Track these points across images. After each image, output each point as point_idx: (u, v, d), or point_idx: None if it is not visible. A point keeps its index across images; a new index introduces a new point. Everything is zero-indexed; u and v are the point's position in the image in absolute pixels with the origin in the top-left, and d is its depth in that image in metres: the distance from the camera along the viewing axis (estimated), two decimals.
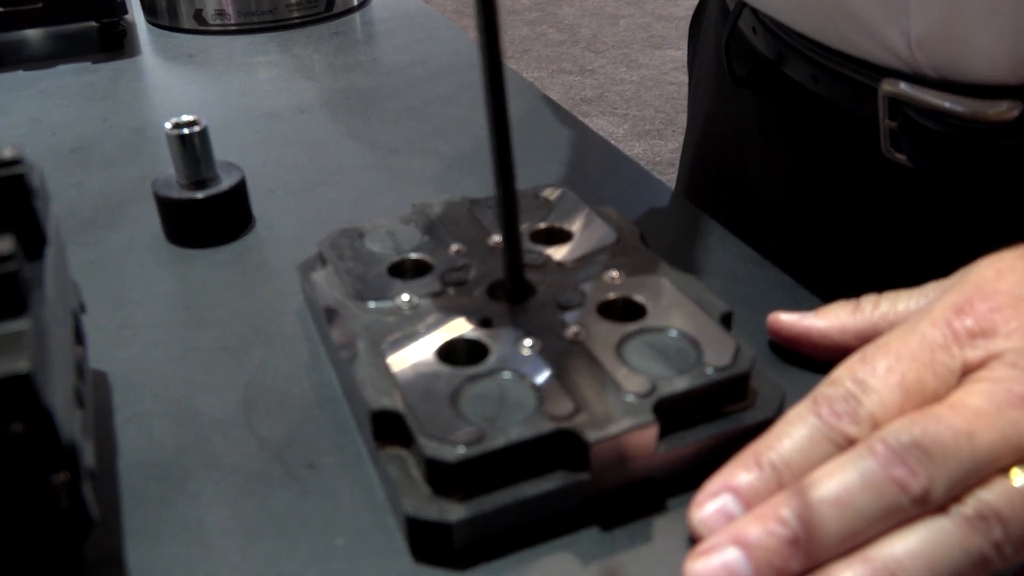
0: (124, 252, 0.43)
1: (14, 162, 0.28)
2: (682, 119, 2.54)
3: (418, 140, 0.53)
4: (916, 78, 0.38)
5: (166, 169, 0.43)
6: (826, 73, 0.44)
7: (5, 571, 0.24)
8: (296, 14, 0.75)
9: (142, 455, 0.30)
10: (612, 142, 0.53)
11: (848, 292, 0.34)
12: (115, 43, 0.69)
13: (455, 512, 0.26)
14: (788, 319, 0.34)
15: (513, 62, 3.05)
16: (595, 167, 0.50)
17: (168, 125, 0.42)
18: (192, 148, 0.42)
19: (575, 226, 0.37)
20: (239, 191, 0.44)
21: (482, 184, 0.47)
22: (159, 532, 0.28)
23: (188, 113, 0.42)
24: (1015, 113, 0.35)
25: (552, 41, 3.30)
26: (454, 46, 0.69)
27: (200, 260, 0.42)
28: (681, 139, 1.28)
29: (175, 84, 0.64)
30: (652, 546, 0.27)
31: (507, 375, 0.29)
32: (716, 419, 0.29)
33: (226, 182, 0.43)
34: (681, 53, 3.18)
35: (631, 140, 2.53)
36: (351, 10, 0.78)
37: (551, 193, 0.40)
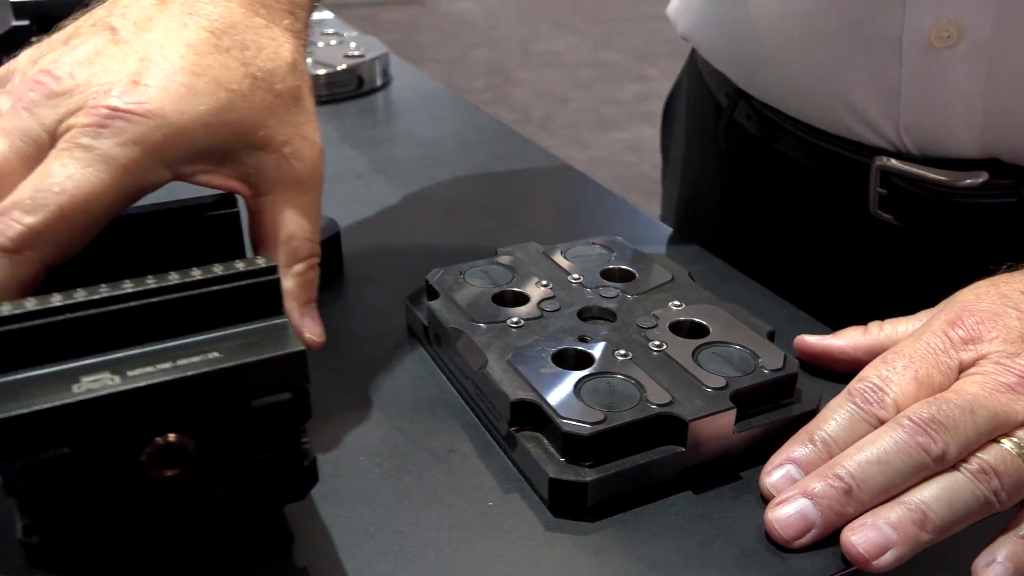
0: None
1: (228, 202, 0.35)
2: (632, 196, 2.68)
3: (468, 200, 0.62)
4: (900, 155, 0.48)
5: None
6: (818, 150, 0.54)
7: (249, 516, 0.31)
8: (325, 92, 0.84)
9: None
10: None
11: (839, 325, 0.43)
12: None
13: (589, 475, 0.33)
14: (812, 340, 0.43)
15: None
16: (603, 216, 0.59)
17: None
18: None
19: (634, 267, 0.46)
20: (334, 242, 0.51)
21: (530, 235, 0.56)
22: (342, 500, 0.34)
23: None
24: (981, 180, 0.45)
25: (505, 120, 3.45)
26: (477, 121, 0.78)
27: None
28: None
29: None
30: (733, 504, 0.35)
31: (612, 375, 0.37)
32: (772, 410, 0.37)
33: (323, 234, 0.50)
34: (628, 135, 3.36)
35: None
36: (376, 89, 0.86)
37: (607, 241, 0.48)
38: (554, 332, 0.40)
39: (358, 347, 0.45)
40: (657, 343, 0.39)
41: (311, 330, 0.36)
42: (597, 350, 0.38)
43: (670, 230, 0.58)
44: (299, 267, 0.36)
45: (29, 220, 0.29)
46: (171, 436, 0.27)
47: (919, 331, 0.38)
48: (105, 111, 0.31)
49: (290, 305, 0.35)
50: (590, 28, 4.90)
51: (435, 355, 0.43)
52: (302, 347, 0.28)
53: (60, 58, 0.33)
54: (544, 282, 0.44)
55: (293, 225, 0.36)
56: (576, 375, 0.37)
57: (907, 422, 0.34)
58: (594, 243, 0.48)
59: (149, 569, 0.30)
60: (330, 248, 0.51)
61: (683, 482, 0.36)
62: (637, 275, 0.45)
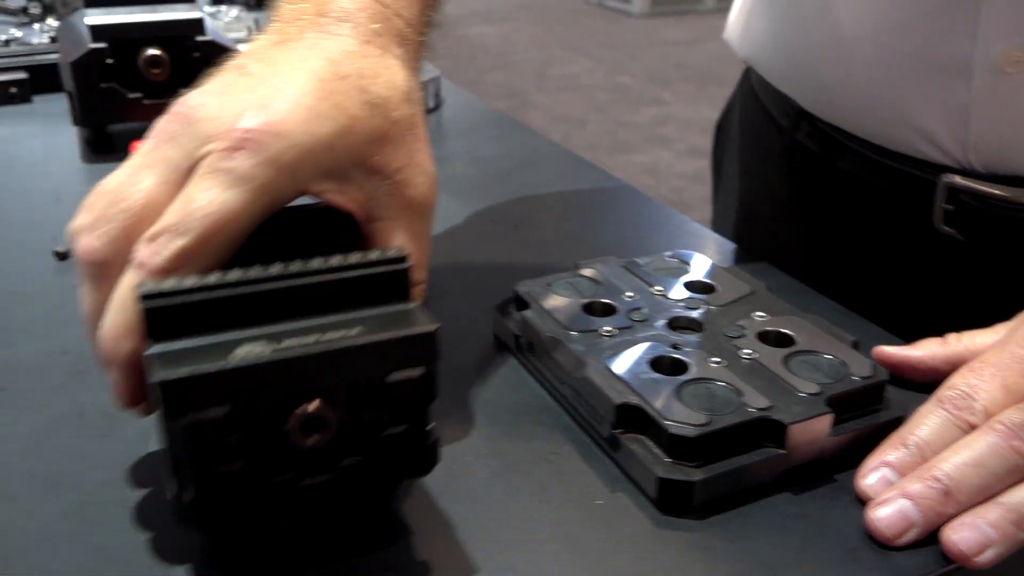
0: None
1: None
2: None
3: (532, 216, 0.64)
4: (966, 172, 0.50)
5: None
6: (882, 168, 0.55)
7: (377, 491, 0.33)
8: None
9: None
10: None
11: (905, 338, 0.45)
12: None
13: (696, 475, 0.35)
14: (892, 350, 0.44)
15: None
16: (664, 231, 0.61)
17: None
18: None
19: (714, 280, 0.47)
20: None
21: (596, 250, 0.57)
22: (457, 497, 0.36)
23: None
24: None
25: None
26: (532, 141, 0.80)
27: None
28: None
29: None
30: (831, 505, 0.36)
31: (710, 381, 0.38)
32: (862, 416, 0.39)
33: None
34: (645, 158, 3.39)
35: None
36: (430, 111, 0.89)
37: (683, 255, 0.50)
38: (645, 340, 0.41)
39: (447, 356, 0.46)
40: (748, 351, 0.40)
41: None
42: (692, 357, 0.40)
43: (732, 245, 0.60)
44: None
45: (179, 243, 0.31)
46: (315, 404, 0.29)
47: (1003, 342, 0.39)
48: (239, 135, 0.32)
49: None
50: (604, 53, 4.96)
51: (527, 363, 0.45)
52: (435, 327, 0.30)
53: (193, 94, 0.35)
54: (630, 294, 0.46)
55: None
56: (675, 380, 0.38)
57: (1000, 427, 0.35)
58: (671, 257, 0.50)
59: (283, 540, 0.31)
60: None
61: (781, 483, 0.37)
62: (718, 288, 0.47)
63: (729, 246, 0.60)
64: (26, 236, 0.59)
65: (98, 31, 0.70)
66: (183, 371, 0.27)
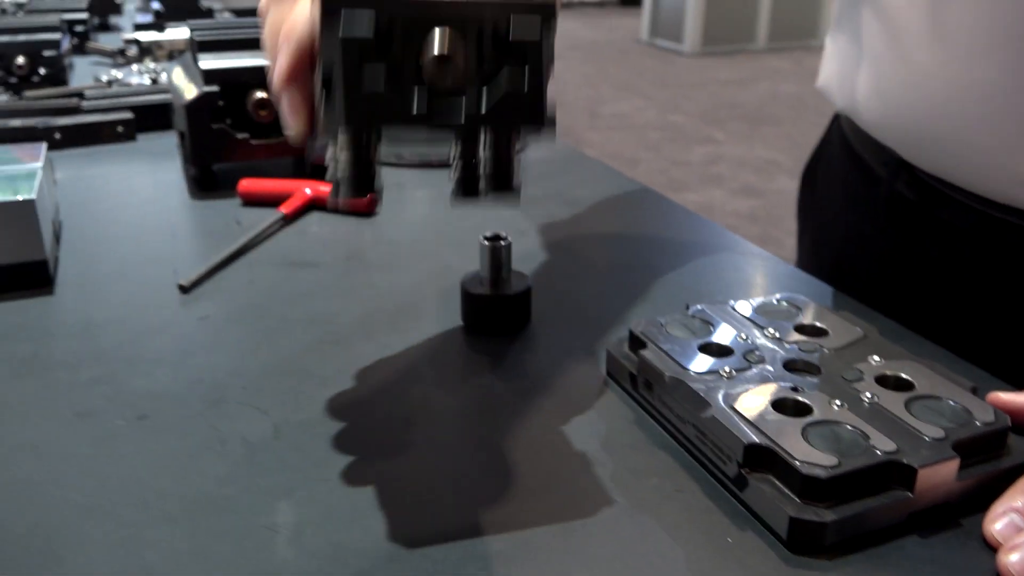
0: (428, 338, 0.53)
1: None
2: None
3: (629, 256, 0.65)
4: None
5: (472, 271, 0.54)
6: (985, 218, 0.56)
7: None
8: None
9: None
10: None
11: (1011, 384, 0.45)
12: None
13: (827, 515, 0.36)
14: (1007, 397, 0.44)
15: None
16: (760, 274, 0.62)
17: (482, 237, 0.53)
18: (499, 257, 0.53)
19: (825, 323, 0.48)
20: (526, 294, 0.55)
21: (694, 293, 0.59)
22: (591, 530, 0.37)
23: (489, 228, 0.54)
24: None
25: None
26: (617, 181, 0.82)
27: (495, 345, 0.52)
28: None
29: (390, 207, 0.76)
30: (960, 549, 0.37)
31: (835, 423, 0.39)
32: (986, 461, 0.39)
33: (517, 286, 0.54)
34: (698, 196, 3.39)
35: None
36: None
37: (790, 298, 0.51)
38: (764, 381, 0.42)
39: (562, 393, 0.48)
40: (868, 395, 0.41)
41: None
42: (814, 400, 0.41)
43: (829, 288, 0.61)
44: None
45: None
46: (447, 36, 0.34)
47: None
48: None
49: None
50: (656, 92, 4.99)
51: (644, 400, 0.46)
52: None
53: None
54: (742, 335, 0.47)
55: None
56: (801, 421, 0.39)
57: None
58: (779, 299, 0.51)
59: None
60: (522, 300, 0.54)
61: (907, 526, 0.38)
62: (830, 331, 0.48)
63: (826, 289, 0.61)
64: (149, 271, 0.62)
65: (211, 75, 0.73)
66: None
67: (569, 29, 7.11)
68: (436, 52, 0.34)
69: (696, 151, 3.93)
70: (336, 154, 0.37)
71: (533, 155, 0.90)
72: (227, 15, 1.31)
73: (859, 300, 0.58)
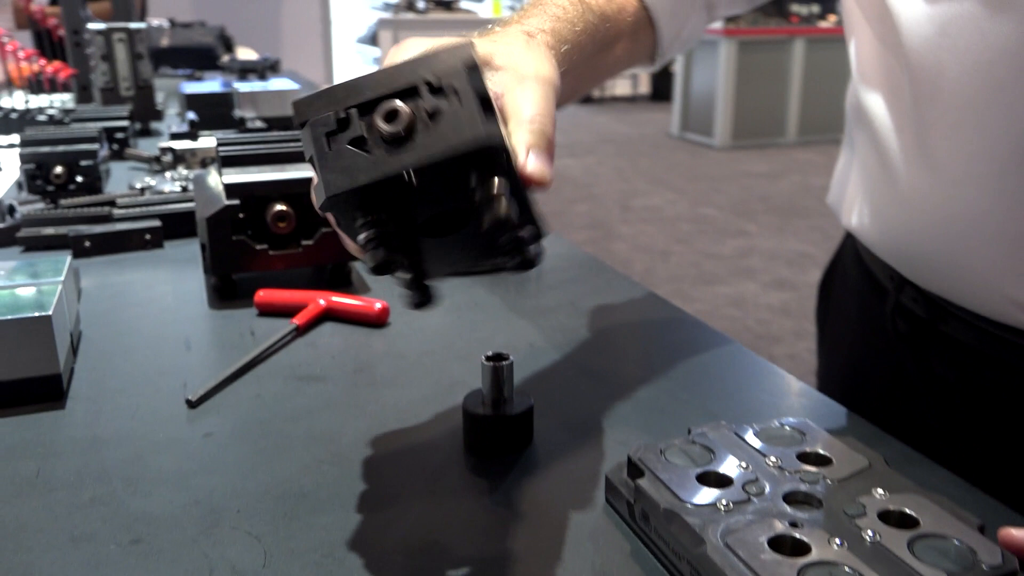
0: (430, 459, 0.53)
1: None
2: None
3: (637, 373, 0.65)
4: None
5: (476, 388, 0.54)
6: (987, 336, 0.55)
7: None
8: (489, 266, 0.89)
9: None
10: None
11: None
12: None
13: None
14: (1019, 533, 0.43)
15: None
16: (770, 392, 0.61)
17: (484, 357, 0.53)
18: (500, 377, 0.53)
19: (830, 452, 0.47)
20: (528, 414, 0.54)
21: (703, 411, 0.58)
22: None
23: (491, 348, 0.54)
24: None
25: None
26: (631, 292, 0.82)
27: (495, 466, 0.52)
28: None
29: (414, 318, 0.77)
30: None
31: (833, 565, 0.38)
32: None
33: (519, 406, 0.54)
34: (730, 289, 3.38)
35: None
36: None
37: (796, 423, 0.50)
38: (763, 515, 0.41)
39: (558, 520, 0.47)
40: (870, 532, 0.40)
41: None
42: (813, 537, 0.40)
43: (842, 409, 0.59)
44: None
45: None
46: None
47: None
48: None
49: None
50: (687, 185, 5.04)
51: (641, 531, 0.45)
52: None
53: None
54: (743, 464, 0.46)
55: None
56: (798, 562, 0.38)
57: None
58: (783, 424, 0.50)
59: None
60: (524, 421, 0.54)
61: None
62: (834, 460, 0.47)
63: (838, 409, 0.60)
64: (159, 383, 0.63)
65: (232, 189, 0.76)
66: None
67: (601, 123, 7.26)
68: (385, 110, 0.40)
69: (728, 244, 3.94)
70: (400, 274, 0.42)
71: (548, 264, 0.91)
72: (258, 123, 1.36)
73: (871, 413, 0.57)
